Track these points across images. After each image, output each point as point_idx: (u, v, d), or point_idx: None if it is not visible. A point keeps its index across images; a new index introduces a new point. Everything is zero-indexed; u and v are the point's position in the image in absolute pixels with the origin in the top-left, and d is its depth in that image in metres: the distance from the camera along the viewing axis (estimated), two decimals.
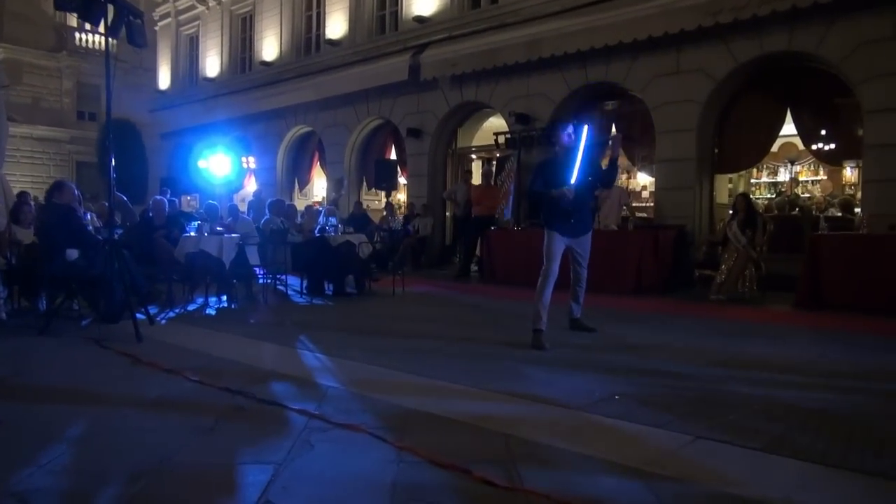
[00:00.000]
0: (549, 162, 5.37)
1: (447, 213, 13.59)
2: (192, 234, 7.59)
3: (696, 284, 8.76)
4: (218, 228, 7.67)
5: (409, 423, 3.11)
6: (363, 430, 2.93)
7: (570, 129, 5.17)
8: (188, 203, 21.11)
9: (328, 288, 8.57)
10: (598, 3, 10.56)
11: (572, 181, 4.98)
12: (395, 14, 14.32)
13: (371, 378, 4.01)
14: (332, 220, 8.74)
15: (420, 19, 13.45)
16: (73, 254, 5.93)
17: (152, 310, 6.86)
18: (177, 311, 7.02)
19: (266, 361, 4.52)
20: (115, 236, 7.10)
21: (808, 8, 8.29)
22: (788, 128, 9.69)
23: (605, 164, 5.53)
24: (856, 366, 4.44)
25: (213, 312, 7.06)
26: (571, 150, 5.09)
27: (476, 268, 11.24)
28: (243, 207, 19.12)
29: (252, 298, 7.97)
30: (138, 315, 5.87)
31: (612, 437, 2.97)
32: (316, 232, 8.96)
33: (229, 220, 10.66)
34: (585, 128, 5.10)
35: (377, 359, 4.47)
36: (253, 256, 7.95)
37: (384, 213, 13.77)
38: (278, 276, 8.52)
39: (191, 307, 7.34)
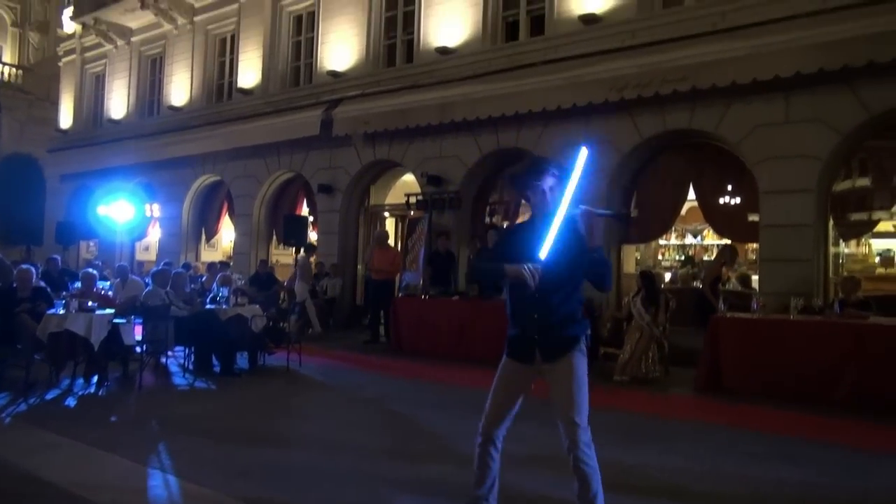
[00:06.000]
0: (517, 230, 3.80)
1: (358, 274, 13.19)
2: (61, 311, 6.88)
3: (601, 361, 8.62)
4: (89, 304, 6.98)
5: None
6: None
7: (554, 174, 3.13)
8: (87, 249, 19.94)
9: (216, 364, 7.97)
10: (509, 70, 10.60)
11: (541, 255, 3.01)
12: (310, 66, 13.99)
13: None
14: (224, 291, 8.18)
15: (334, 74, 13.18)
16: None
17: (3, 398, 6.20)
18: (33, 400, 6.30)
19: (106, 490, 3.95)
20: None
21: (706, 90, 8.50)
22: None
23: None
24: (746, 485, 4.27)
25: (72, 403, 6.36)
26: (549, 211, 3.10)
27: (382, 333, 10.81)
28: (147, 256, 18.21)
29: (128, 379, 7.30)
30: None
31: None
32: (206, 302, 8.38)
33: (117, 280, 9.94)
34: (583, 151, 2.99)
35: (235, 485, 4.00)
36: (131, 334, 7.29)
37: (294, 272, 13.23)
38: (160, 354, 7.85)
39: (51, 394, 6.60)
